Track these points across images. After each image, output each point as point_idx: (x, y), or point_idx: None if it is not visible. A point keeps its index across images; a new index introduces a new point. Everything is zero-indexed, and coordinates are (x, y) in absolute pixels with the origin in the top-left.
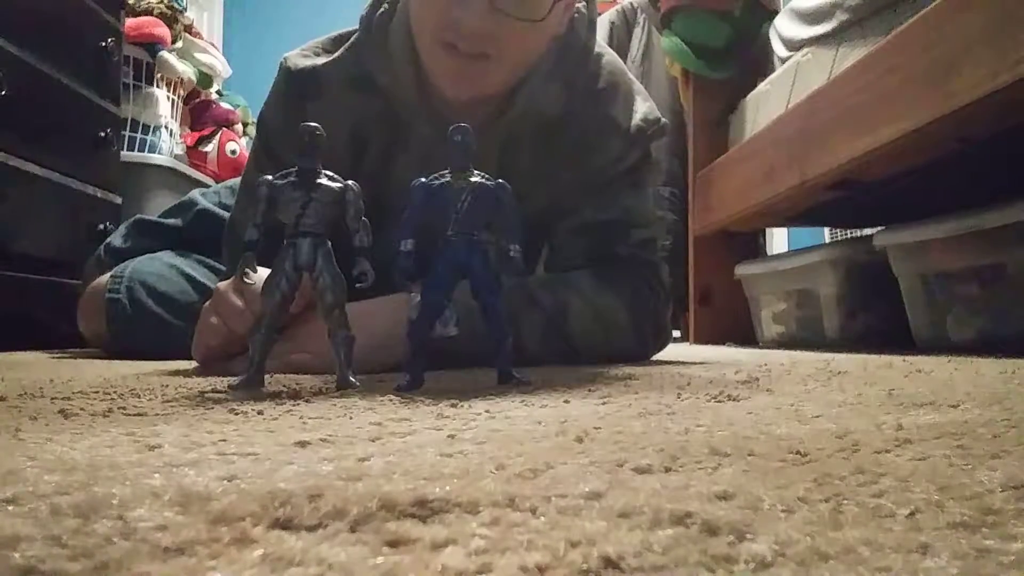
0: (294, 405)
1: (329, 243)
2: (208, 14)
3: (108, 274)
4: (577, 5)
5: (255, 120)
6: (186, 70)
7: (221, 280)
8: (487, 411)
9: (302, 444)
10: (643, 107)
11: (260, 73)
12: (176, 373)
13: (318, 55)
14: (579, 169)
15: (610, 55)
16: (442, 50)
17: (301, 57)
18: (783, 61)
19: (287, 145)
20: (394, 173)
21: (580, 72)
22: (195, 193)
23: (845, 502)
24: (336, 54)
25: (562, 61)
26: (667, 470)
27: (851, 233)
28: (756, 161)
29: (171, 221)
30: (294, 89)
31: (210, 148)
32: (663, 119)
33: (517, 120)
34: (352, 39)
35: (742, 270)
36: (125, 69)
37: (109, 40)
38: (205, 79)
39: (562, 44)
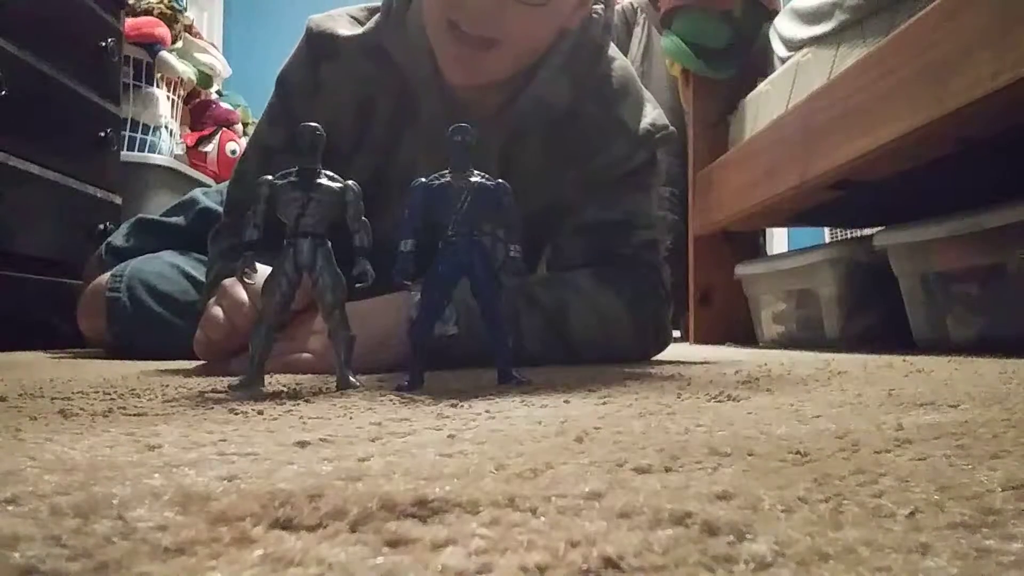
0: (294, 405)
1: (329, 243)
2: (208, 14)
3: (108, 273)
4: (595, 7)
5: (255, 120)
6: (186, 70)
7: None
8: (487, 411)
9: (302, 444)
10: (652, 113)
11: (260, 73)
12: (176, 373)
13: (343, 23)
14: (584, 168)
15: (623, 61)
16: (447, 33)
17: (325, 19)
18: (783, 61)
19: (302, 101)
20: (399, 150)
21: (591, 71)
22: (197, 192)
23: (845, 502)
24: (358, 31)
25: (573, 58)
26: (667, 470)
27: (851, 233)
28: (756, 161)
29: (173, 220)
30: (312, 48)
31: (210, 148)
32: (671, 127)
33: (524, 112)
34: (373, 20)
35: (742, 270)
36: (125, 69)
37: (109, 40)
38: (205, 79)
39: (574, 41)
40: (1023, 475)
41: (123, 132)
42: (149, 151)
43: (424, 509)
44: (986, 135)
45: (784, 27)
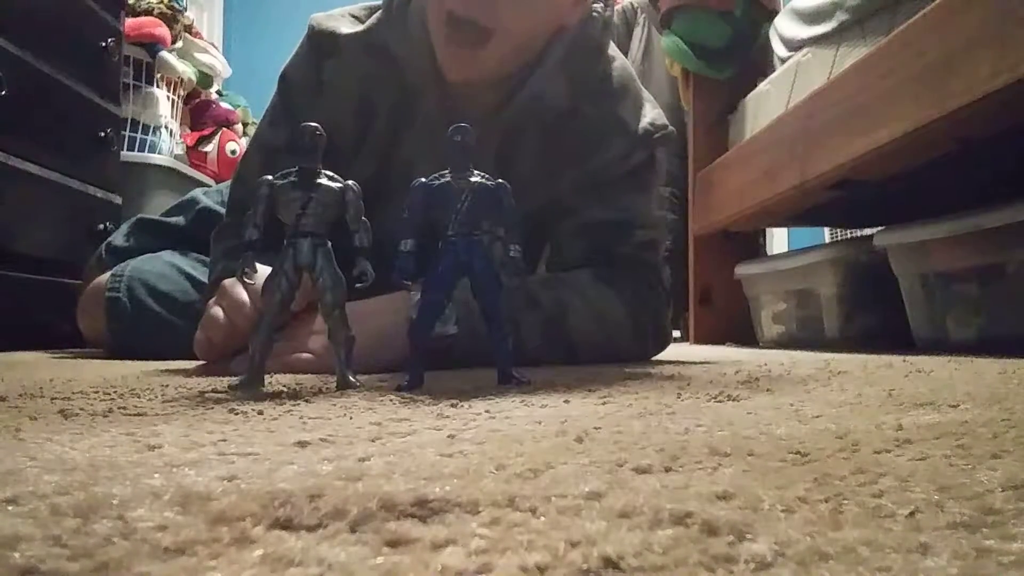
0: (294, 405)
1: (329, 243)
2: (208, 14)
3: (108, 273)
4: (595, 5)
5: (255, 120)
6: (186, 70)
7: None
8: (487, 411)
9: (302, 444)
10: (652, 113)
11: (260, 73)
12: (176, 373)
13: (344, 22)
14: (582, 167)
15: (623, 60)
16: (443, 25)
17: (326, 18)
18: (783, 61)
19: (304, 100)
20: (399, 149)
21: (590, 70)
22: (197, 192)
23: (845, 502)
24: (359, 28)
25: (571, 57)
26: (667, 470)
27: (851, 233)
28: (756, 161)
29: (173, 220)
30: (314, 46)
31: (210, 148)
32: (671, 127)
33: (521, 111)
34: (374, 17)
35: (742, 270)
36: (125, 69)
37: (109, 40)
38: (205, 79)
39: (572, 40)
40: (1023, 475)
41: (123, 132)
42: (149, 151)
43: (424, 509)
44: (986, 135)
45: (784, 27)
